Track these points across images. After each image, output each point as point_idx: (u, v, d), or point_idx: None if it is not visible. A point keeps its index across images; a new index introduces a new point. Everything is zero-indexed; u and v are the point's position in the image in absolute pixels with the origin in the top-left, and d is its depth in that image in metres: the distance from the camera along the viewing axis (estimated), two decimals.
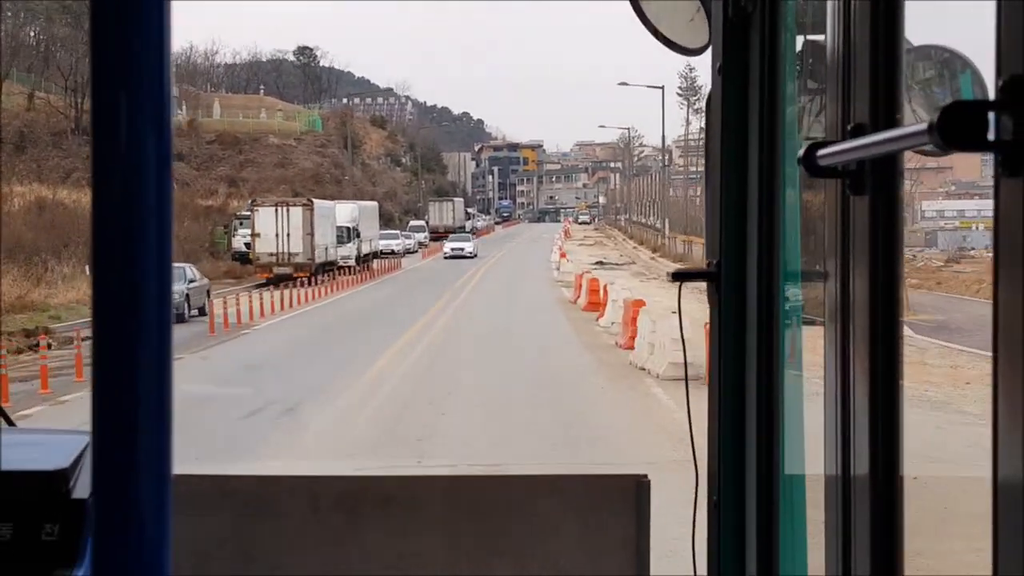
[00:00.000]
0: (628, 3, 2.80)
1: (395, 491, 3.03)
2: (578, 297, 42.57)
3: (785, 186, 2.31)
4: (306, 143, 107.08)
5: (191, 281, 38.14)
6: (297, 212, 55.84)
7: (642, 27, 2.79)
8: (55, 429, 3.00)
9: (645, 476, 3.06)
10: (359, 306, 43.89)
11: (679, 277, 2.65)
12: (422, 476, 3.61)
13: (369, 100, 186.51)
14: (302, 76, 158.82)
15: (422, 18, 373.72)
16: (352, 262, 62.78)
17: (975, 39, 1.50)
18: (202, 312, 37.75)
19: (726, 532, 2.49)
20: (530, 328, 33.66)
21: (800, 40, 2.36)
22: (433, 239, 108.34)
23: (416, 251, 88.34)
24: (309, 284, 51.75)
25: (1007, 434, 1.25)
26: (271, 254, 55.15)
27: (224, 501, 3.00)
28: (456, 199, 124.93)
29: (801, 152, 1.83)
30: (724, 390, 2.47)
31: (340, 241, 63.21)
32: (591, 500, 3.04)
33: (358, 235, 65.76)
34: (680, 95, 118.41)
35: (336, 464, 14.59)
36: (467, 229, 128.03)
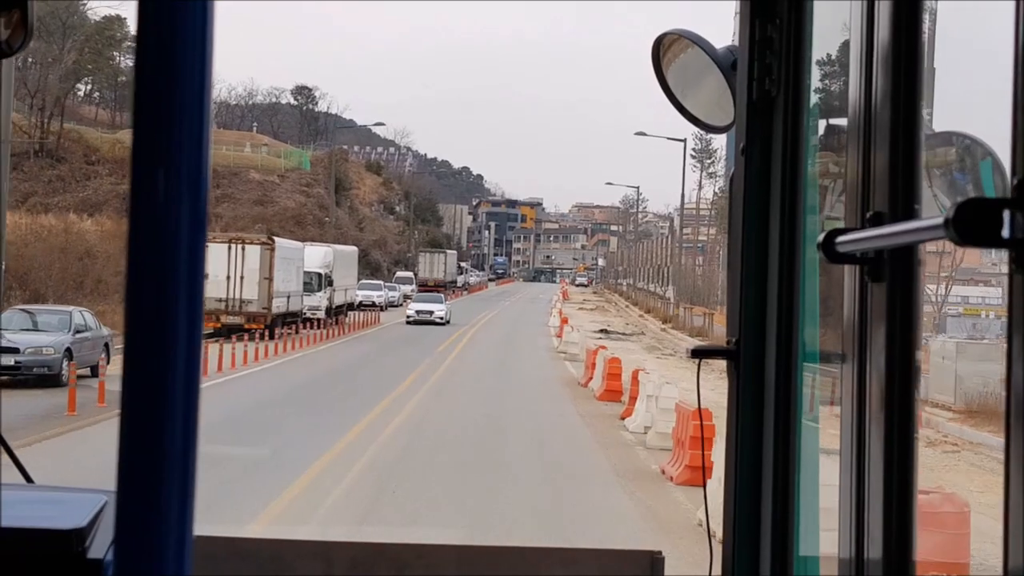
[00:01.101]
0: (656, 80, 2.79)
1: (409, 559, 3.00)
2: (590, 379, 32.56)
3: (805, 268, 2.31)
4: (290, 181, 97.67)
5: (78, 331, 28.11)
6: (254, 252, 45.90)
7: (659, 96, 2.81)
8: (73, 488, 2.63)
9: (659, 553, 3.01)
10: (310, 375, 33.86)
11: (698, 354, 2.61)
12: (437, 545, 3.05)
13: (368, 148, 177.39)
14: (299, 117, 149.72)
15: (425, 68, 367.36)
16: (321, 313, 52.75)
17: (996, 130, 1.49)
18: (95, 372, 27.73)
19: None
20: (529, 427, 23.75)
21: (823, 124, 2.42)
22: (423, 292, 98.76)
23: (400, 304, 78.45)
24: (263, 338, 41.80)
25: (1017, 535, 1.26)
26: (219, 300, 45.14)
27: (238, 564, 2.96)
28: (449, 251, 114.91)
29: (820, 238, 1.84)
30: (741, 469, 2.41)
31: (308, 289, 53.37)
32: (605, 574, 2.98)
33: (330, 283, 55.82)
34: (694, 156, 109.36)
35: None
36: (459, 284, 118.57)
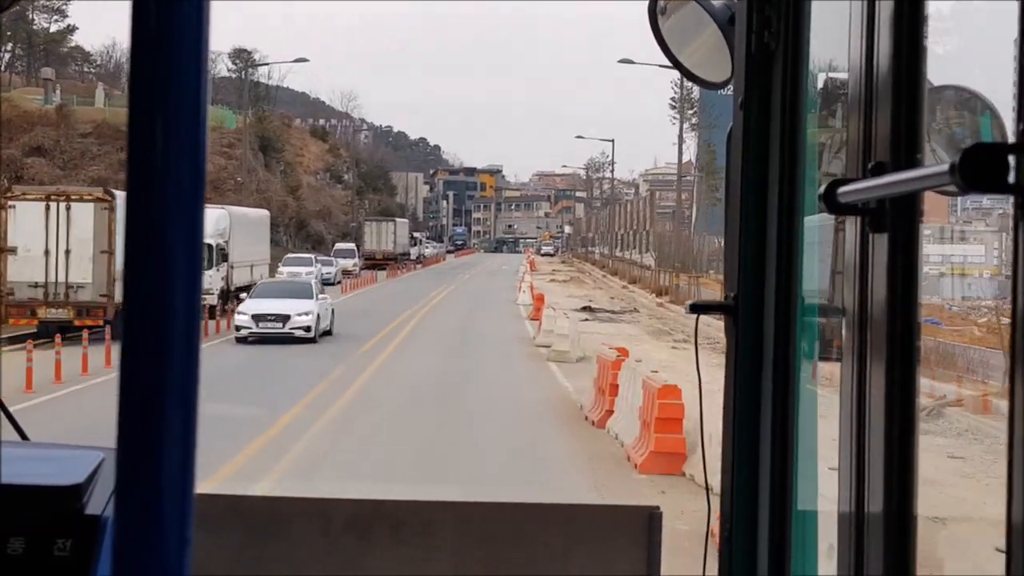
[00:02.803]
0: (652, 35, 2.70)
1: (407, 516, 2.96)
2: (608, 413, 17.47)
3: (805, 221, 2.26)
4: (210, 141, 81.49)
5: None
6: (85, 213, 30.42)
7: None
8: (69, 444, 2.60)
9: (657, 508, 2.98)
10: None
11: (697, 309, 2.61)
12: (434, 502, 3.01)
13: (322, 121, 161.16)
14: (238, 83, 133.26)
15: (377, 33, 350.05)
16: (213, 299, 37.14)
17: (997, 82, 1.49)
18: None
19: (738, 566, 2.40)
20: None
21: (822, 77, 2.36)
22: (369, 267, 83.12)
23: (336, 282, 62.89)
24: (110, 338, 26.54)
25: (1021, 479, 1.24)
26: (35, 285, 29.64)
27: (236, 521, 2.92)
28: (399, 220, 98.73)
29: (822, 189, 1.80)
30: (739, 423, 2.37)
31: None
32: (602, 531, 2.94)
33: (224, 258, 40.23)
34: (673, 107, 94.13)
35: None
36: (413, 256, 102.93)
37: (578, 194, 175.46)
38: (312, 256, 62.77)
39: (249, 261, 44.24)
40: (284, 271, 58.74)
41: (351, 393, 22.10)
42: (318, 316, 32.22)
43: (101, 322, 29.56)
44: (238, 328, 31.73)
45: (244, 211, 47.27)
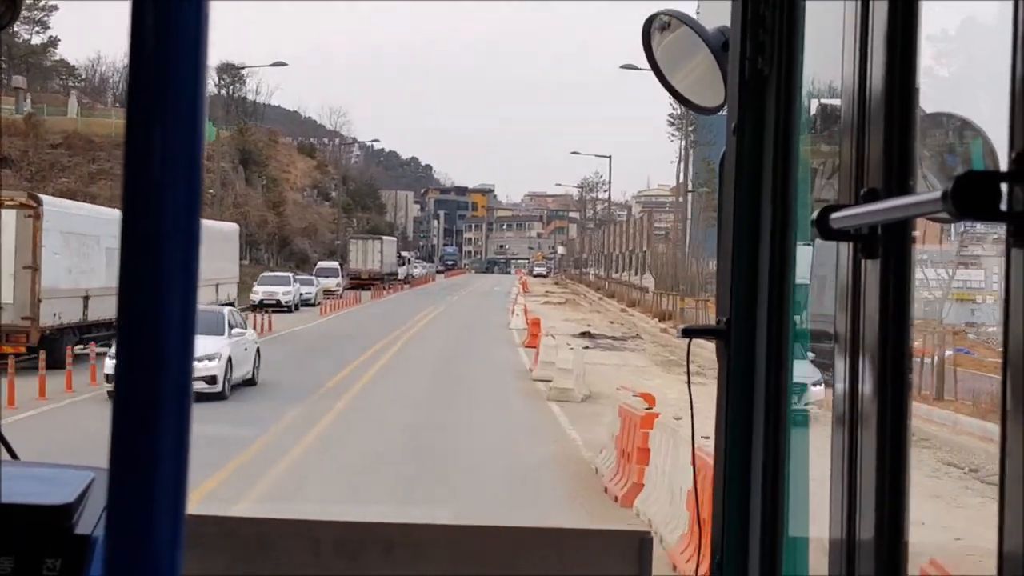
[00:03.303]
0: (645, 59, 2.69)
1: (397, 538, 2.93)
2: (635, 489, 12.78)
3: (797, 247, 2.28)
4: None
5: None
6: (6, 220, 25.67)
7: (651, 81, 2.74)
8: (59, 464, 2.58)
9: (648, 533, 2.99)
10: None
11: (689, 333, 2.58)
12: (425, 524, 2.99)
13: (313, 140, 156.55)
14: (225, 100, 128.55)
15: (368, 57, 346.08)
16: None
17: (989, 110, 1.50)
18: None
19: None
20: None
21: (815, 103, 2.36)
22: (354, 287, 78.43)
23: (318, 303, 58.17)
24: (45, 367, 21.86)
25: (1013, 509, 1.23)
26: None
27: (225, 542, 2.89)
28: (387, 238, 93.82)
29: (814, 215, 1.80)
30: (730, 449, 2.35)
31: None
32: (593, 555, 2.93)
33: None
34: (671, 123, 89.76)
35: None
36: (401, 276, 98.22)
37: (571, 214, 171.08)
38: (290, 275, 58.00)
39: (213, 280, 39.64)
40: (259, 291, 54.16)
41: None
42: (229, 360, 22.51)
43: (23, 349, 24.95)
44: (108, 379, 20.77)
45: (207, 224, 42.75)
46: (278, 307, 53.17)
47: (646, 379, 27.38)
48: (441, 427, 19.89)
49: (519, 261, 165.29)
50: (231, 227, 43.36)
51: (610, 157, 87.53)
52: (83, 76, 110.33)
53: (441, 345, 37.25)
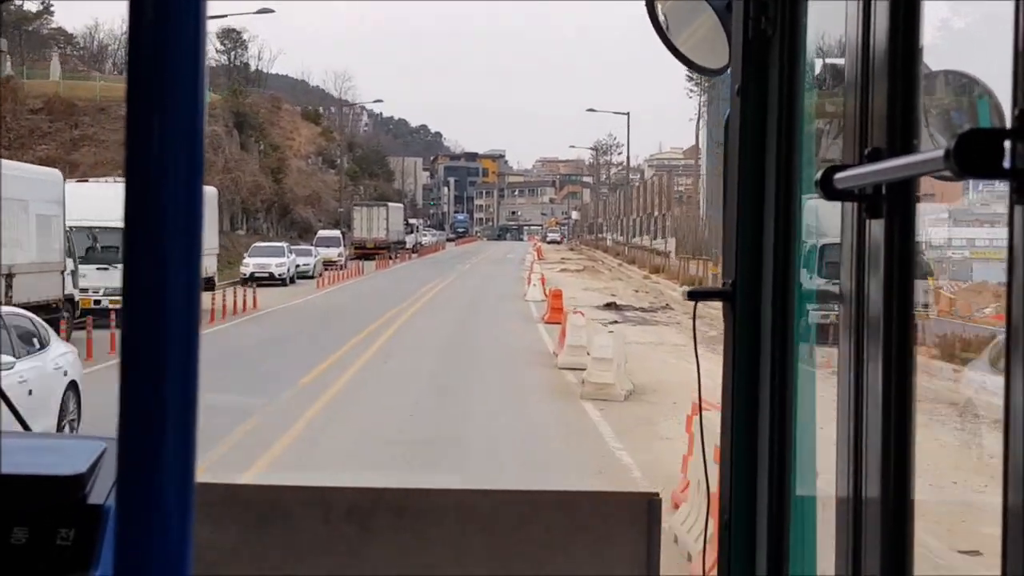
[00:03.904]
0: (649, 23, 2.67)
1: (407, 503, 2.92)
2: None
3: (802, 207, 2.26)
4: None
5: None
6: None
7: (659, 45, 2.67)
8: (71, 435, 1.89)
9: (656, 495, 2.93)
10: None
11: (695, 296, 2.56)
12: (434, 489, 2.99)
13: (322, 109, 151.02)
14: (227, 67, 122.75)
15: (372, 22, 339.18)
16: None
17: (994, 67, 1.49)
18: None
19: (737, 552, 2.39)
20: None
21: (819, 63, 2.31)
22: (358, 257, 73.07)
23: (315, 275, 52.78)
24: None
25: (1017, 454, 1.22)
26: None
27: (235, 510, 2.89)
28: (393, 204, 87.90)
29: (818, 175, 1.79)
30: (737, 410, 2.37)
31: (86, 257, 28.26)
32: (602, 517, 2.91)
33: None
34: (691, 78, 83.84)
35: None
36: (408, 245, 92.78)
37: (584, 179, 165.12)
38: (284, 245, 52.46)
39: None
40: (250, 263, 48.79)
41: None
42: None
43: None
44: None
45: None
46: (271, 280, 47.90)
47: (690, 360, 22.08)
48: (440, 449, 14.50)
49: (532, 228, 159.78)
50: (208, 190, 37.80)
51: (628, 114, 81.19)
52: (82, 44, 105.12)
53: (446, 325, 31.89)
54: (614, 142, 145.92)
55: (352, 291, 46.53)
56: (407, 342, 27.06)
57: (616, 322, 32.83)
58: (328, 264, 58.03)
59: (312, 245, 62.64)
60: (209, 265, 35.28)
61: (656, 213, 77.13)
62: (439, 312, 36.01)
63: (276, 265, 49.13)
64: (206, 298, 34.76)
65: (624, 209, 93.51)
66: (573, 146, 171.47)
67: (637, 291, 49.03)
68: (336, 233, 68.58)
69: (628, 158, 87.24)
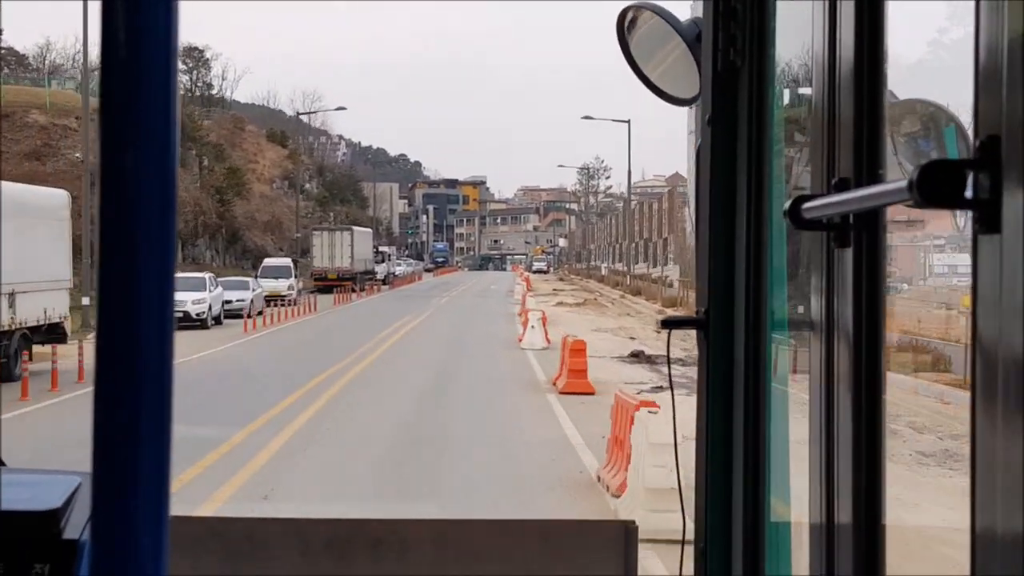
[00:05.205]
0: (620, 52, 2.66)
1: (384, 535, 2.91)
2: None
3: (772, 237, 2.26)
4: (96, 127, 59.52)
5: None
6: None
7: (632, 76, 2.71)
8: (46, 469, 2.61)
9: (633, 523, 2.94)
10: None
11: (669, 324, 2.54)
12: (411, 520, 3.03)
13: (299, 139, 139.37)
14: (188, 83, 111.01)
15: (358, 56, 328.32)
16: None
17: (959, 96, 1.52)
18: None
19: None
20: None
21: (787, 94, 2.33)
22: (319, 289, 61.29)
23: (258, 314, 40.71)
24: None
25: (985, 494, 1.21)
26: None
27: (214, 543, 2.88)
28: (359, 229, 75.23)
29: (787, 205, 1.80)
30: (712, 437, 2.34)
31: None
32: (579, 546, 2.92)
33: None
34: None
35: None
36: (379, 275, 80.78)
37: (569, 206, 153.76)
38: (206, 277, 40.14)
39: (35, 283, 22.24)
40: (177, 299, 36.78)
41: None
42: None
43: None
44: None
45: (29, 191, 25.10)
46: (186, 321, 35.97)
47: None
48: None
49: (515, 256, 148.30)
50: (56, 195, 25.61)
51: (628, 122, 69.54)
52: (33, 67, 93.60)
53: (403, 400, 20.00)
54: (601, 165, 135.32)
55: (288, 337, 34.62)
56: (331, 436, 15.07)
57: (661, 387, 21.19)
58: (272, 300, 46.08)
59: (260, 275, 50.77)
60: (52, 305, 23.13)
61: (655, 238, 65.69)
62: (397, 374, 23.96)
63: (193, 302, 37.15)
64: (42, 354, 22.63)
65: (618, 235, 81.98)
66: (562, 165, 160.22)
67: (658, 332, 37.31)
68: (286, 261, 56.40)
69: (629, 171, 75.02)
